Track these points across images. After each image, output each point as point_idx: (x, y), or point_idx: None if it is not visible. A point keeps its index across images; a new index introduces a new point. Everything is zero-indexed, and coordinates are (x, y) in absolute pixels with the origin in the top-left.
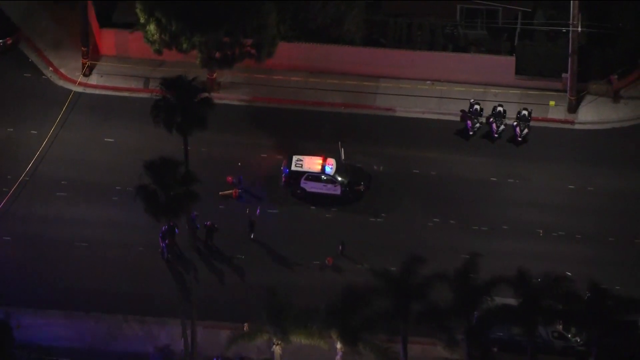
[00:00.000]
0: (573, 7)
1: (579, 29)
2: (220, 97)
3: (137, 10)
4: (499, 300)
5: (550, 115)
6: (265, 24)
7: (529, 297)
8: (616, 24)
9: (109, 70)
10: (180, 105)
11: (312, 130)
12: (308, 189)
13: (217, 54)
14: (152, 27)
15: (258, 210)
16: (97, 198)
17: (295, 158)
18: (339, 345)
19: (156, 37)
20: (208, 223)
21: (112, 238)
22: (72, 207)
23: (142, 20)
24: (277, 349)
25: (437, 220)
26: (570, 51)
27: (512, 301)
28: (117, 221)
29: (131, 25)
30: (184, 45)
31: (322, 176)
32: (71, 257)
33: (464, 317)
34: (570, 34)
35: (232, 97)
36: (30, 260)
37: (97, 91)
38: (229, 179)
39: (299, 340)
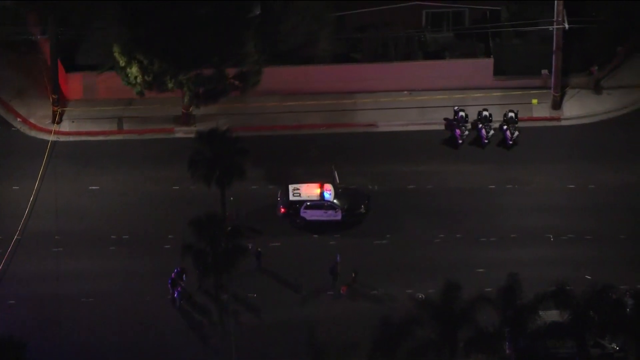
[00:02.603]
0: (557, 4)
1: (566, 25)
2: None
3: (116, 54)
4: (544, 315)
5: (535, 114)
6: (246, 53)
7: (577, 310)
8: (591, 15)
9: (80, 115)
10: (217, 158)
11: (297, 154)
12: (308, 218)
13: (201, 90)
14: (134, 70)
15: (338, 257)
16: (94, 249)
17: (291, 187)
18: None
19: (139, 79)
20: None
21: (117, 290)
22: (70, 262)
23: (122, 64)
24: None
25: (443, 235)
26: (554, 48)
27: (554, 314)
28: (118, 271)
29: (95, 67)
30: (169, 85)
31: (323, 202)
32: (79, 315)
33: (513, 337)
34: (554, 32)
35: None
36: (38, 322)
37: (71, 138)
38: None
39: None
